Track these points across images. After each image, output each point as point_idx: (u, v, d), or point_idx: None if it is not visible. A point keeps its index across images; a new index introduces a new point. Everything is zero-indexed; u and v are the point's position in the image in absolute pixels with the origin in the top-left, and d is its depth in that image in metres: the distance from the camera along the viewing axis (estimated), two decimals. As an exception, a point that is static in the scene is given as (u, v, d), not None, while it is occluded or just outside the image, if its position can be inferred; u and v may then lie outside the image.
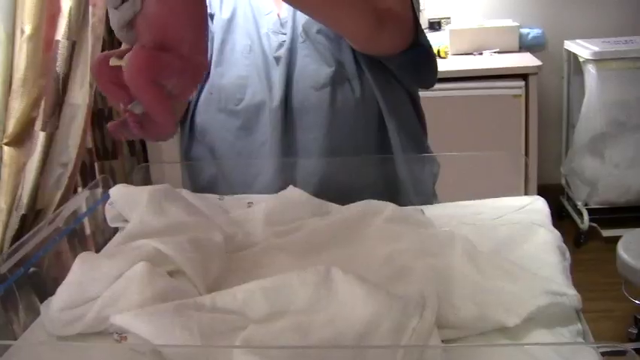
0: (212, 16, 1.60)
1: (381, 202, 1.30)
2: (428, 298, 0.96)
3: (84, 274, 1.04)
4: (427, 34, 1.54)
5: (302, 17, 1.54)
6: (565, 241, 1.25)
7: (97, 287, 1.03)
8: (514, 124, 3.68)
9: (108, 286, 1.02)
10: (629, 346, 0.73)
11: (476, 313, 0.97)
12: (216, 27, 1.59)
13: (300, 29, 1.55)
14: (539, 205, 1.37)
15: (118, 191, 1.33)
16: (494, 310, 0.97)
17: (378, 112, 1.56)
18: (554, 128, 4.29)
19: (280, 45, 1.55)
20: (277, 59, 1.55)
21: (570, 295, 1.00)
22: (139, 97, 0.91)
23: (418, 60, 1.52)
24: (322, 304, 0.95)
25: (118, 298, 1.00)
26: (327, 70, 1.52)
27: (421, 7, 3.09)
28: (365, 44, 1.45)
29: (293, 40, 1.55)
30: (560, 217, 4.23)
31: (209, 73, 1.59)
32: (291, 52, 1.55)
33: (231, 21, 1.59)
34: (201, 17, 0.98)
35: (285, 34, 1.55)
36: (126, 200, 1.31)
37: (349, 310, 0.93)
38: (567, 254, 1.21)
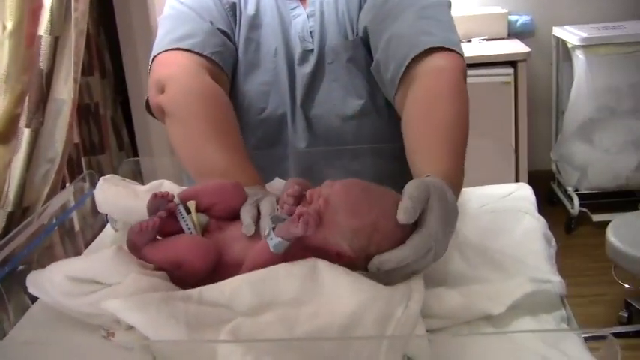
0: (234, 9, 1.49)
1: None
2: (414, 288, 0.97)
3: (113, 260, 1.03)
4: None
5: (331, 32, 1.47)
6: (556, 227, 1.28)
7: (115, 278, 1.01)
8: (504, 111, 3.68)
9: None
10: (608, 331, 0.74)
11: (461, 302, 0.98)
12: (241, 23, 1.49)
13: (327, 45, 1.47)
14: (524, 192, 1.38)
15: (102, 192, 1.32)
16: (479, 299, 0.98)
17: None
18: (543, 114, 4.30)
19: (304, 55, 1.48)
20: (302, 72, 1.48)
21: (554, 281, 1.01)
22: None
23: None
24: (308, 295, 0.95)
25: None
26: (357, 102, 1.47)
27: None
28: None
29: (320, 55, 1.48)
30: (551, 202, 4.25)
31: (234, 75, 1.51)
32: (317, 67, 1.48)
33: (255, 17, 1.49)
34: None
35: (311, 42, 1.48)
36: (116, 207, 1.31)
37: (334, 302, 0.93)
38: (553, 241, 1.23)
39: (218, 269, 1.03)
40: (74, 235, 1.57)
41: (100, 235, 1.38)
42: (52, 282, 1.03)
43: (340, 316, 0.91)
